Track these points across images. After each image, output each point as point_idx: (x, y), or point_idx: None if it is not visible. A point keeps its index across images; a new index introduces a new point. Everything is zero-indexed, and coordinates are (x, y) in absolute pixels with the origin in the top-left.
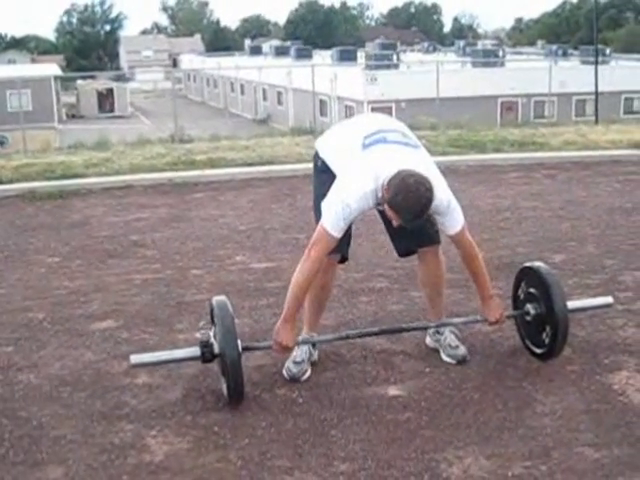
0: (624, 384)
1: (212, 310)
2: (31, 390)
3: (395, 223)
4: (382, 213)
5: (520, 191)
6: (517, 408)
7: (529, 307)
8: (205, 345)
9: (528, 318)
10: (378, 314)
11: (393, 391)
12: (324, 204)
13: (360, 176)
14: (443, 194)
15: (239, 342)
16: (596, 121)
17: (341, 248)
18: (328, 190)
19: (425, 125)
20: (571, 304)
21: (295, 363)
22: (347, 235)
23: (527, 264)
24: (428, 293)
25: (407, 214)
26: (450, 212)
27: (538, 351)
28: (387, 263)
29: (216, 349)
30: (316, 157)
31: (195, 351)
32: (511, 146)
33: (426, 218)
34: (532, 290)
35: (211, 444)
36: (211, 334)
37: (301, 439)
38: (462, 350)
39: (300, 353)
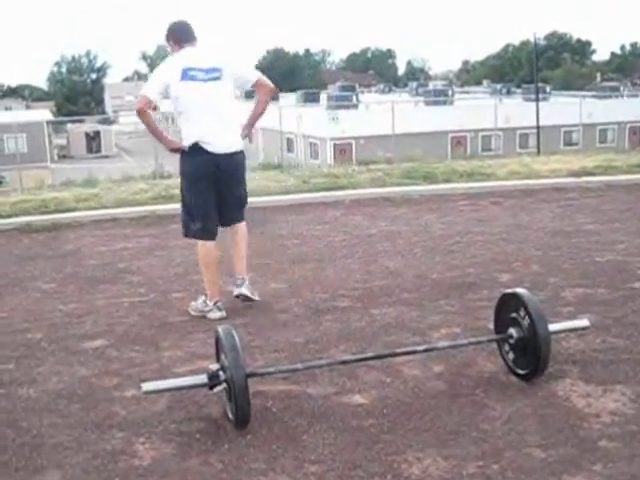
0: (568, 390)
1: (218, 339)
2: (31, 403)
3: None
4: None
5: (469, 217)
6: (470, 414)
7: (512, 331)
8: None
9: (511, 341)
10: (343, 331)
11: (357, 400)
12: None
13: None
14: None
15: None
16: (538, 152)
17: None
18: None
19: (382, 159)
20: (551, 327)
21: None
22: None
23: (508, 291)
24: (237, 252)
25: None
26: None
27: (522, 372)
28: (349, 284)
29: (223, 376)
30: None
31: (202, 378)
32: (460, 177)
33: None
34: (514, 315)
35: (194, 450)
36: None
37: (275, 444)
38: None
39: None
